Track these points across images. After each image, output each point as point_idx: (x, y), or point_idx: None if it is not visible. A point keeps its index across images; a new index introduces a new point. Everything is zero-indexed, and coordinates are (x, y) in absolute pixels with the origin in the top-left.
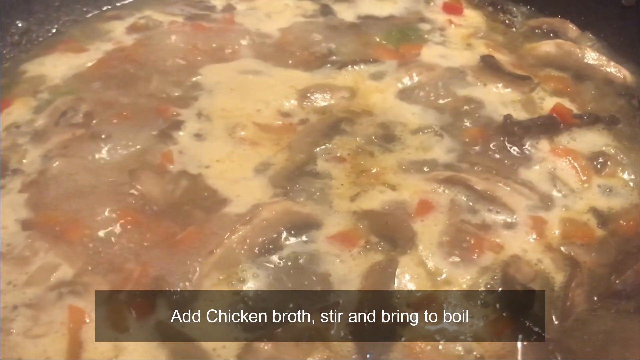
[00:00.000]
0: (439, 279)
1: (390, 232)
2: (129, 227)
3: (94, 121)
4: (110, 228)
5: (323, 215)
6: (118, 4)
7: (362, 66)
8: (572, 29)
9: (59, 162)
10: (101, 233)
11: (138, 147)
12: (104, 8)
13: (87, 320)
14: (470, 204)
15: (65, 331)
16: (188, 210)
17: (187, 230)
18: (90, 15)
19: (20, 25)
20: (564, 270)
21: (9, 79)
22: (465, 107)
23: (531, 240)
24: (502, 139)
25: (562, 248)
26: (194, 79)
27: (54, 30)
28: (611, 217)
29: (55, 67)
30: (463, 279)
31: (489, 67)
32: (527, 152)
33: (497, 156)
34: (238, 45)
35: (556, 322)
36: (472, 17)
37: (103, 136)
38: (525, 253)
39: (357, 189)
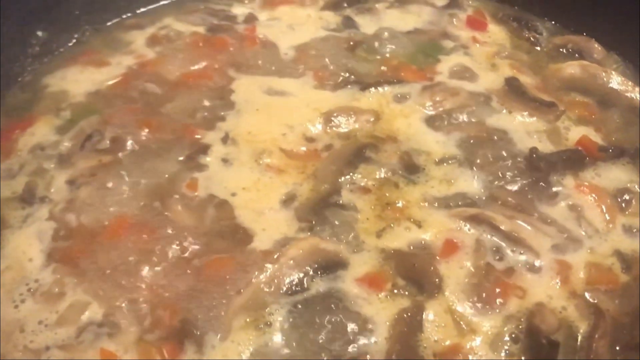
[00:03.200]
0: (464, 327)
1: (417, 275)
2: (157, 262)
3: (120, 147)
4: (139, 263)
5: (349, 253)
6: (138, 11)
7: (386, 88)
8: (597, 49)
9: (87, 191)
10: (130, 268)
11: (166, 175)
12: (124, 16)
13: None
14: (495, 244)
15: None
16: (216, 244)
17: (215, 267)
18: (110, 23)
19: (40, 35)
20: (588, 319)
21: (31, 93)
22: (490, 136)
23: (556, 285)
24: (527, 173)
25: (586, 294)
26: (219, 98)
27: (74, 40)
28: (635, 260)
29: (77, 82)
30: (488, 327)
31: (514, 91)
32: (552, 188)
33: (522, 192)
34: (261, 62)
35: None
36: (496, 33)
37: (130, 164)
38: (550, 300)
39: (382, 224)
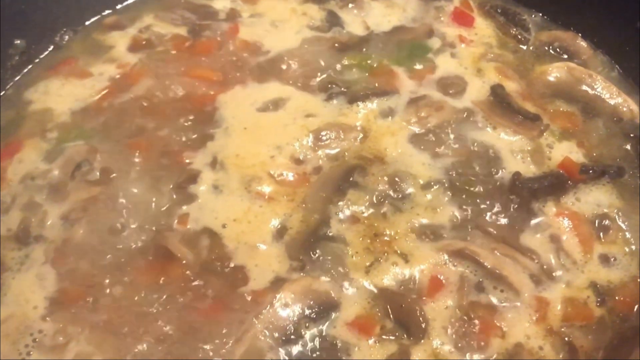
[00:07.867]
0: None
1: (405, 316)
2: (157, 309)
3: (110, 177)
4: (139, 311)
5: (340, 293)
6: (118, 7)
7: (374, 101)
8: (583, 48)
9: (82, 229)
10: (130, 316)
11: (160, 209)
12: (103, 13)
13: None
14: (478, 281)
15: None
16: (212, 285)
17: (213, 312)
18: (89, 23)
19: (18, 43)
20: (563, 357)
21: (14, 111)
22: (474, 158)
23: (534, 324)
24: (510, 201)
25: (562, 330)
26: (206, 114)
27: (52, 46)
28: (609, 292)
29: (61, 97)
30: None
31: (499, 102)
32: (533, 216)
33: (505, 220)
34: (246, 70)
35: None
36: (483, 29)
37: (121, 196)
38: (528, 340)
39: (371, 258)
